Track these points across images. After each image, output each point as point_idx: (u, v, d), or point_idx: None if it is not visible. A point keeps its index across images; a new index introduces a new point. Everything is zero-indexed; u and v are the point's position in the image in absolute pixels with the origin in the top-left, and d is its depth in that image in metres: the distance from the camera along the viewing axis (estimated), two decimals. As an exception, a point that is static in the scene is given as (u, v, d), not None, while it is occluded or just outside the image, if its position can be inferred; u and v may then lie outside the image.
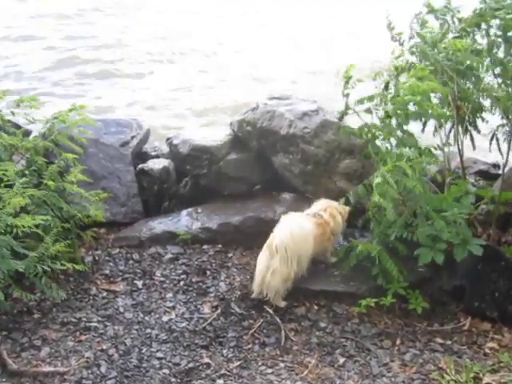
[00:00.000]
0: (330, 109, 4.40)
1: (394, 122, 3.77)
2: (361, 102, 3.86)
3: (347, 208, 3.92)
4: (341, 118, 4.23)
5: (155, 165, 4.68)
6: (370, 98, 3.82)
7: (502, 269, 3.53)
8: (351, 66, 3.91)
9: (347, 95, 3.95)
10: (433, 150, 3.77)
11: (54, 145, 3.95)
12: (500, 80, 3.74)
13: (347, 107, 4.03)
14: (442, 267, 3.48)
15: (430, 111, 3.59)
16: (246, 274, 3.88)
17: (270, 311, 3.53)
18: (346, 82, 3.90)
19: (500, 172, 3.97)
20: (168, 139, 4.75)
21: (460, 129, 3.90)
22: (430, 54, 3.66)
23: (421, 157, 3.59)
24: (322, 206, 3.86)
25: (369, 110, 3.88)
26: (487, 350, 3.33)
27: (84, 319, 3.48)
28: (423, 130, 4.00)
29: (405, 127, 3.72)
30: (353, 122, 4.11)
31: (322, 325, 3.49)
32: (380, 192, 3.37)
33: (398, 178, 3.41)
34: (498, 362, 3.22)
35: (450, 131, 4.00)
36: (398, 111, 3.64)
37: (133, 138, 4.76)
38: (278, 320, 3.48)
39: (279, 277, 3.48)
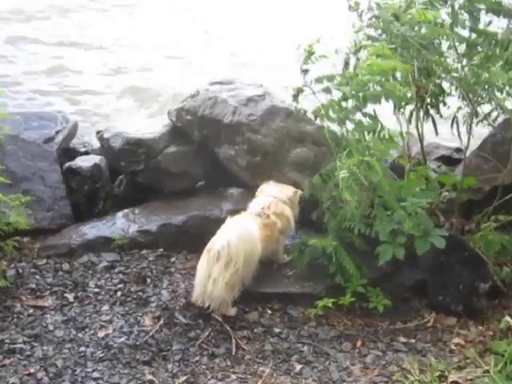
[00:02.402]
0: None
1: (349, 104, 3.78)
2: (319, 81, 3.81)
3: (299, 192, 3.93)
4: (295, 97, 4.15)
5: (85, 162, 4.66)
6: (330, 78, 3.78)
7: (466, 259, 3.64)
8: (317, 40, 3.83)
9: (306, 71, 3.89)
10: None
11: (-37, 143, 3.89)
12: (462, 60, 3.79)
13: (304, 84, 3.95)
14: (403, 261, 3.53)
15: (389, 93, 3.57)
16: (191, 279, 3.84)
17: (219, 319, 3.53)
18: (307, 58, 3.84)
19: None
20: (98, 132, 4.75)
21: (421, 112, 3.95)
22: (392, 26, 3.66)
23: (381, 142, 3.60)
24: (267, 201, 3.85)
25: (328, 90, 3.80)
26: (453, 347, 3.43)
27: (7, 341, 3.39)
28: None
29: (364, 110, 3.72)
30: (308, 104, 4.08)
31: (277, 330, 3.52)
32: (346, 187, 3.34)
33: (363, 172, 3.38)
34: (464, 359, 3.31)
35: (410, 115, 4.05)
36: (355, 92, 3.61)
37: (58, 132, 4.76)
38: (228, 328, 3.49)
39: (222, 285, 3.45)
